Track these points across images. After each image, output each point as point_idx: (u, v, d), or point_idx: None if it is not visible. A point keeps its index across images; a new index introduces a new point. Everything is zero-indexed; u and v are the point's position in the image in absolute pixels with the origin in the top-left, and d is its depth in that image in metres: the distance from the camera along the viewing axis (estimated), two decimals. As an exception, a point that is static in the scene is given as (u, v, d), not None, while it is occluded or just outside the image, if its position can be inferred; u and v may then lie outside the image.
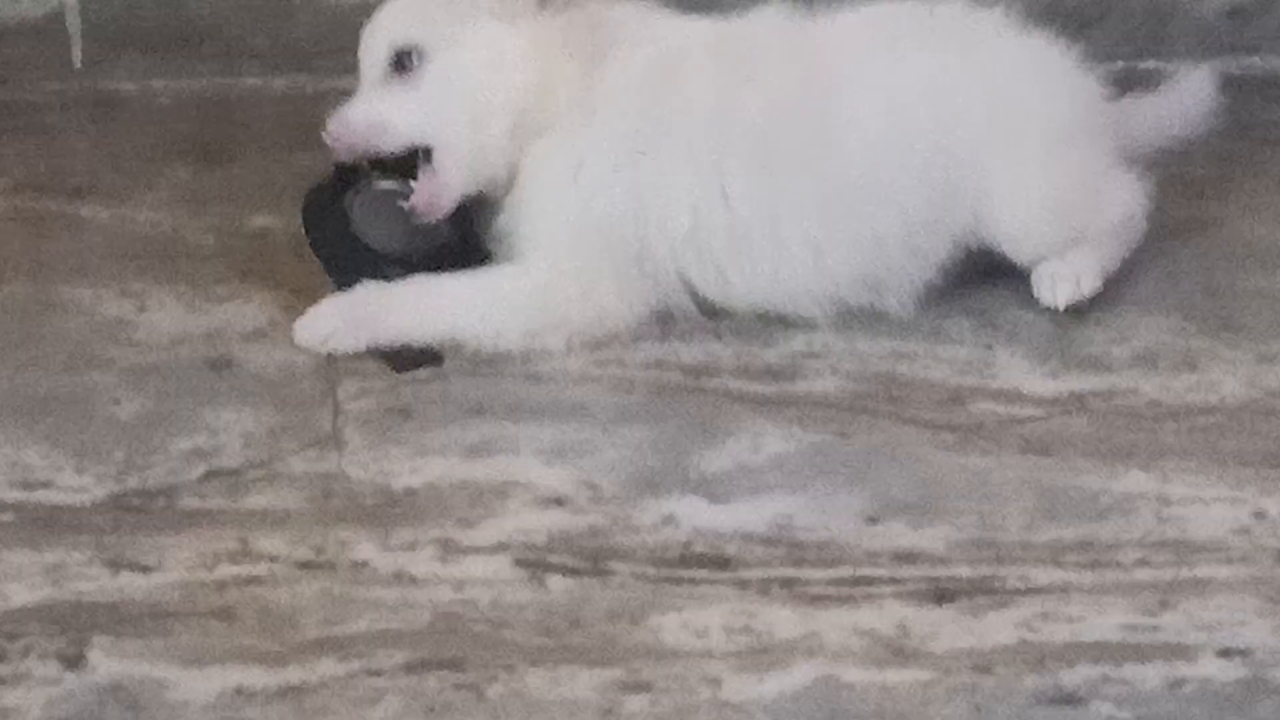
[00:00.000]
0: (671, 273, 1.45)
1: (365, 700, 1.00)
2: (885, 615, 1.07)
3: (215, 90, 1.84)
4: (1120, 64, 1.75)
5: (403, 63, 1.46)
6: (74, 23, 1.85)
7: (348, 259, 1.47)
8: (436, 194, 1.46)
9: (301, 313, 1.42)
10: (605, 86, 1.51)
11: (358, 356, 1.38)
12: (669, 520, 1.18)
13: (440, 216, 1.46)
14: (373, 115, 1.49)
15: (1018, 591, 1.08)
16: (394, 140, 1.47)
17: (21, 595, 1.09)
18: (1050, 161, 1.49)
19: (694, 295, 1.47)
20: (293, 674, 1.03)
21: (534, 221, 1.45)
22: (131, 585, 1.10)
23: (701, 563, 1.14)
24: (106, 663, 1.01)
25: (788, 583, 1.10)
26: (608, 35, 1.53)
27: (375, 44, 1.49)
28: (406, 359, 1.37)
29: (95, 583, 1.09)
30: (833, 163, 1.48)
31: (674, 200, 1.46)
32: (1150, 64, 1.78)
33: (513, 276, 1.45)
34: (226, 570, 1.11)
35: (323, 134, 1.46)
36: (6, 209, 1.58)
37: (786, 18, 1.58)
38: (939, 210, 1.47)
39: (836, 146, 1.48)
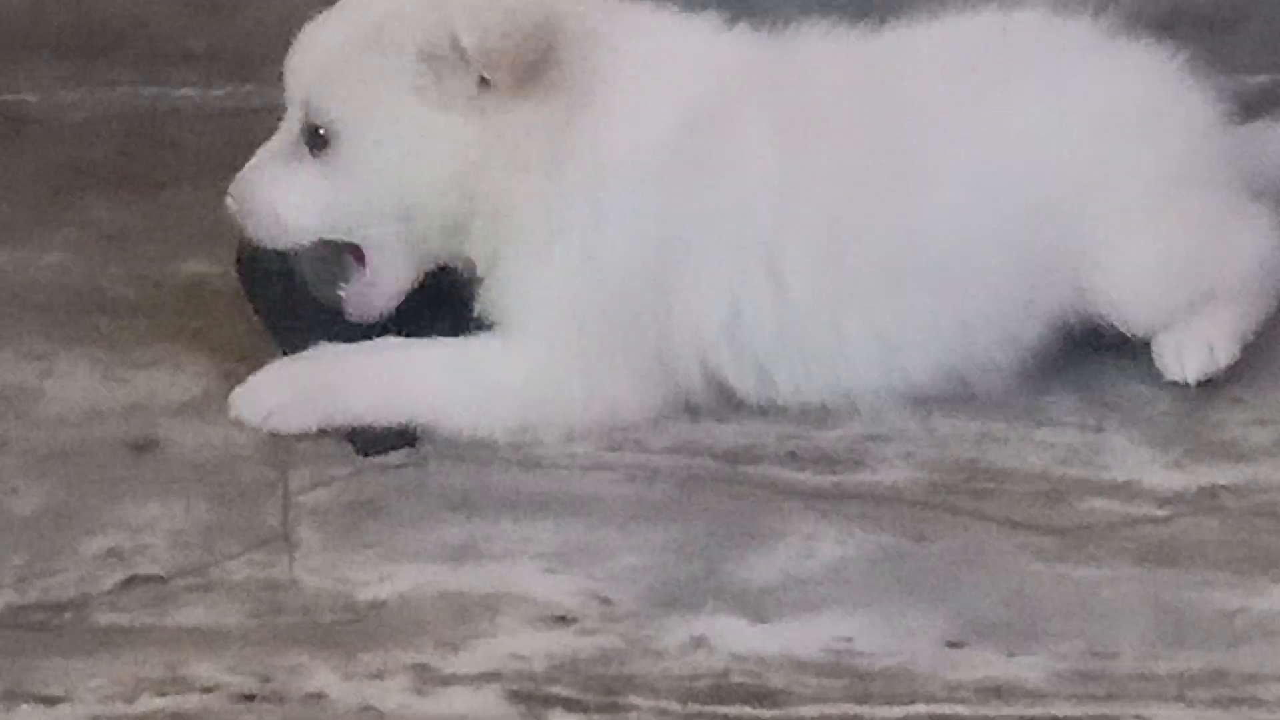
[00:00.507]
0: (696, 370, 1.41)
1: None
2: (970, 764, 1.10)
3: (139, 103, 1.84)
4: (1262, 77, 1.78)
5: (314, 137, 1.41)
6: (-40, 21, 1.86)
7: (295, 315, 1.46)
8: (369, 298, 1.44)
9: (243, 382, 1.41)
10: (622, 154, 1.43)
11: (314, 436, 1.37)
12: (700, 643, 1.17)
13: (375, 319, 1.43)
14: (271, 204, 1.44)
15: (1135, 734, 1.11)
16: (297, 238, 1.43)
17: (-103, 733, 1.10)
18: (1165, 207, 1.48)
19: (723, 391, 1.43)
20: (231, 834, 1.04)
21: (529, 304, 1.41)
22: (34, 720, 1.13)
23: (741, 697, 1.13)
24: (2, 817, 1.03)
25: (848, 723, 1.13)
26: (602, 124, 1.44)
27: (291, 92, 1.44)
28: (373, 440, 1.36)
29: (-12, 717, 1.10)
30: (912, 236, 1.45)
31: (709, 288, 1.42)
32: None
33: (502, 357, 1.44)
34: (151, 703, 1.10)
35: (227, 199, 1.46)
36: (-118, 251, 1.59)
37: (844, 43, 1.52)
38: (1036, 285, 1.45)
39: (917, 216, 1.45)
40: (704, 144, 1.47)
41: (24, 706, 1.10)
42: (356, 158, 1.42)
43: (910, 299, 1.46)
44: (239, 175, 1.46)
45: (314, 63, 1.44)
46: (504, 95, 1.44)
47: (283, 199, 1.43)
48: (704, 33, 1.56)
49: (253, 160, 1.45)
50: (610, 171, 1.44)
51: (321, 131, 1.42)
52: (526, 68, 1.43)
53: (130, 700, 1.11)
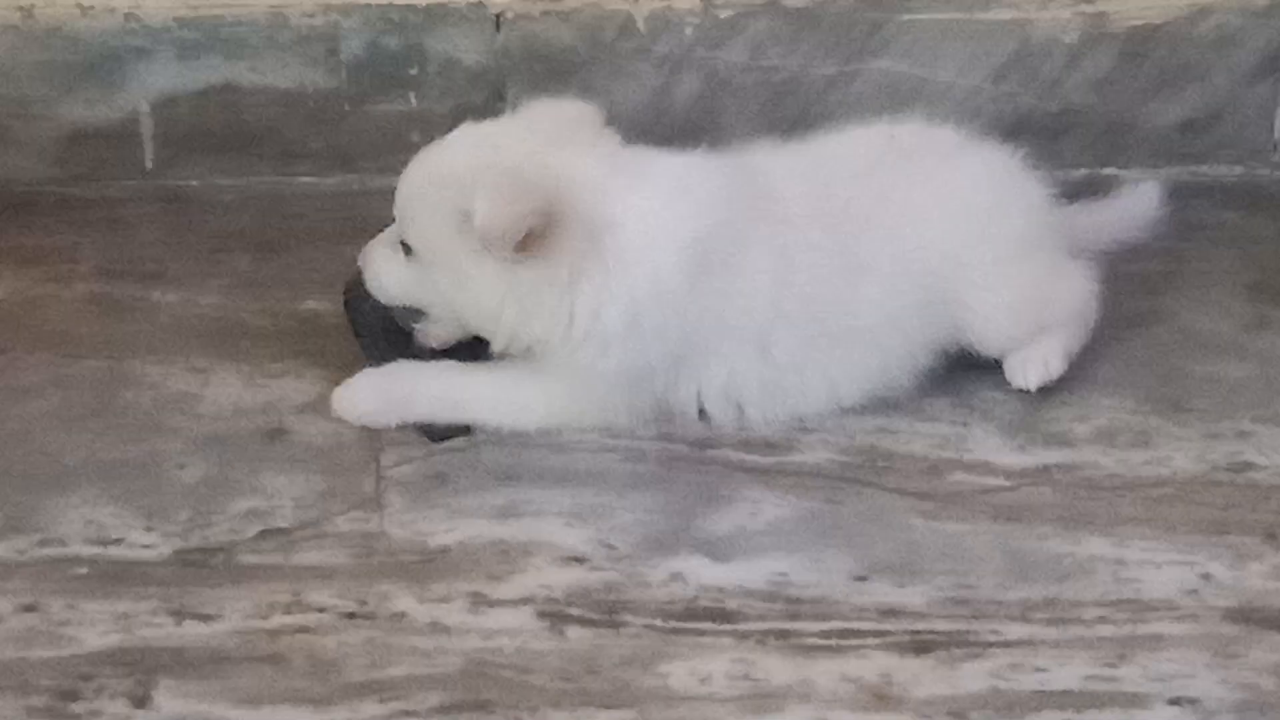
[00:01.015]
0: (691, 407, 1.36)
1: (404, 738, 0.98)
2: (871, 665, 1.07)
3: (273, 188, 1.82)
4: (1084, 170, 1.74)
5: (404, 244, 1.34)
6: (147, 127, 1.82)
7: (383, 339, 1.45)
8: (432, 336, 1.41)
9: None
10: (648, 287, 1.30)
11: (397, 428, 1.37)
12: (677, 577, 1.17)
13: (439, 347, 1.42)
14: (377, 273, 1.39)
15: (990, 644, 1.08)
16: (388, 300, 1.39)
17: (94, 640, 1.09)
18: (1012, 267, 1.39)
19: (702, 415, 1.37)
20: (338, 715, 1.02)
21: (563, 376, 1.33)
22: (194, 633, 1.10)
23: (705, 616, 1.13)
24: (170, 703, 1.02)
25: (783, 635, 1.10)
26: (626, 250, 1.29)
27: (397, 206, 1.36)
28: (440, 430, 1.36)
29: (161, 630, 1.09)
30: (857, 310, 1.36)
31: (714, 366, 1.34)
32: (1110, 171, 1.75)
33: (533, 385, 1.34)
34: (280, 620, 1.11)
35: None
36: (86, 293, 1.58)
37: (786, 158, 1.42)
38: (930, 328, 1.38)
39: (860, 295, 1.35)
40: (711, 266, 1.29)
41: (188, 622, 1.09)
42: (425, 273, 1.31)
43: (852, 354, 1.35)
44: (370, 243, 1.40)
45: (404, 193, 1.33)
46: (535, 254, 1.29)
47: (384, 273, 1.36)
48: (692, 169, 1.38)
49: (380, 235, 1.38)
50: (641, 303, 1.29)
51: (406, 248, 1.32)
52: (525, 244, 1.26)
53: (265, 618, 1.10)
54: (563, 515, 1.23)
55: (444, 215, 1.27)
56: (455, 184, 1.26)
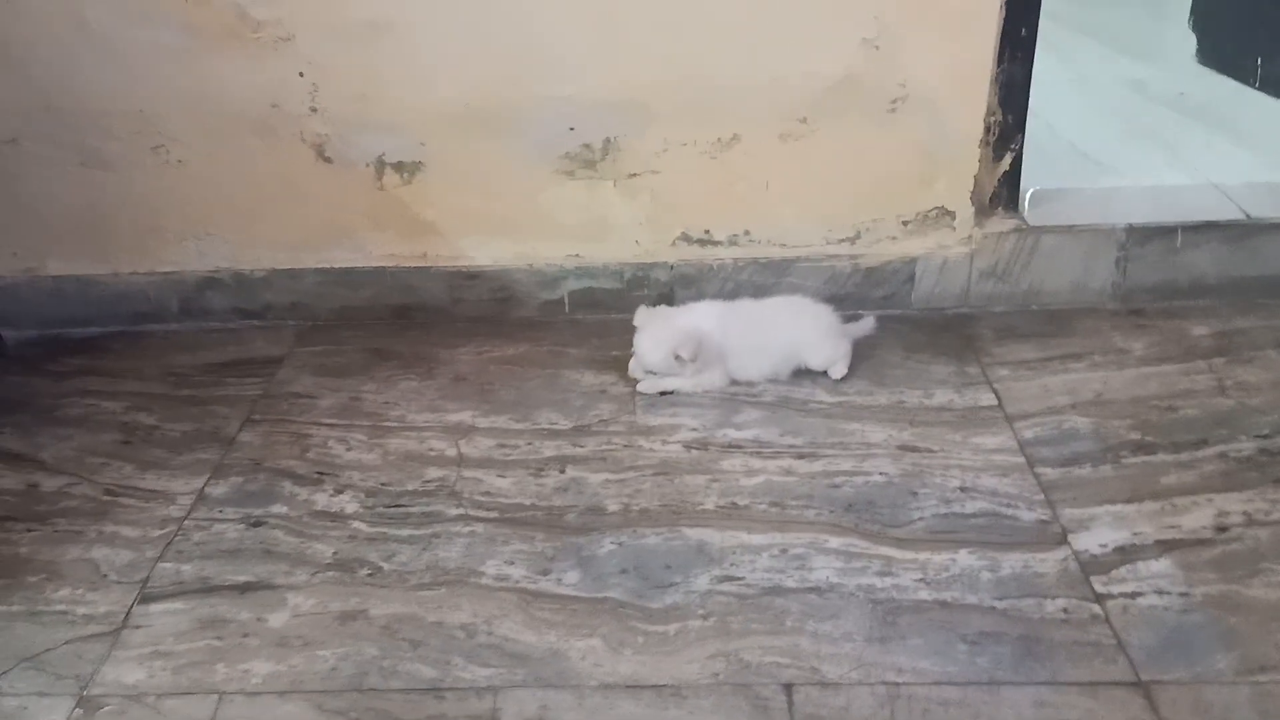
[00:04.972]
0: (729, 378, 2.71)
1: None
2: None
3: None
4: (857, 314, 2.90)
5: (678, 359, 2.57)
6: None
7: (648, 374, 2.58)
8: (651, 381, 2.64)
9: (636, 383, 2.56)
10: (709, 344, 2.65)
11: (659, 395, 2.59)
12: (732, 437, 2.38)
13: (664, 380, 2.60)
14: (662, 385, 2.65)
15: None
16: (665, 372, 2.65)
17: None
18: (828, 340, 2.76)
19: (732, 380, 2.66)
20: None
21: (700, 381, 2.67)
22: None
23: (738, 448, 2.38)
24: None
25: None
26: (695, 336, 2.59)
27: (646, 349, 2.63)
28: (665, 394, 2.49)
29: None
30: (765, 347, 2.71)
31: (727, 362, 2.70)
32: (854, 313, 2.91)
33: (684, 380, 2.71)
34: None
35: None
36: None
37: (743, 303, 2.84)
38: (793, 358, 2.72)
39: (766, 343, 2.72)
40: (713, 328, 2.68)
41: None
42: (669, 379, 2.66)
43: (763, 361, 2.75)
44: (635, 358, 2.71)
45: (652, 350, 2.69)
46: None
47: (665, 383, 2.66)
48: (714, 305, 2.80)
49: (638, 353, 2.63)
50: (709, 353, 2.66)
51: (679, 365, 2.63)
52: (692, 358, 2.60)
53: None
54: (693, 415, 2.58)
55: (671, 352, 2.61)
56: (667, 340, 2.62)
